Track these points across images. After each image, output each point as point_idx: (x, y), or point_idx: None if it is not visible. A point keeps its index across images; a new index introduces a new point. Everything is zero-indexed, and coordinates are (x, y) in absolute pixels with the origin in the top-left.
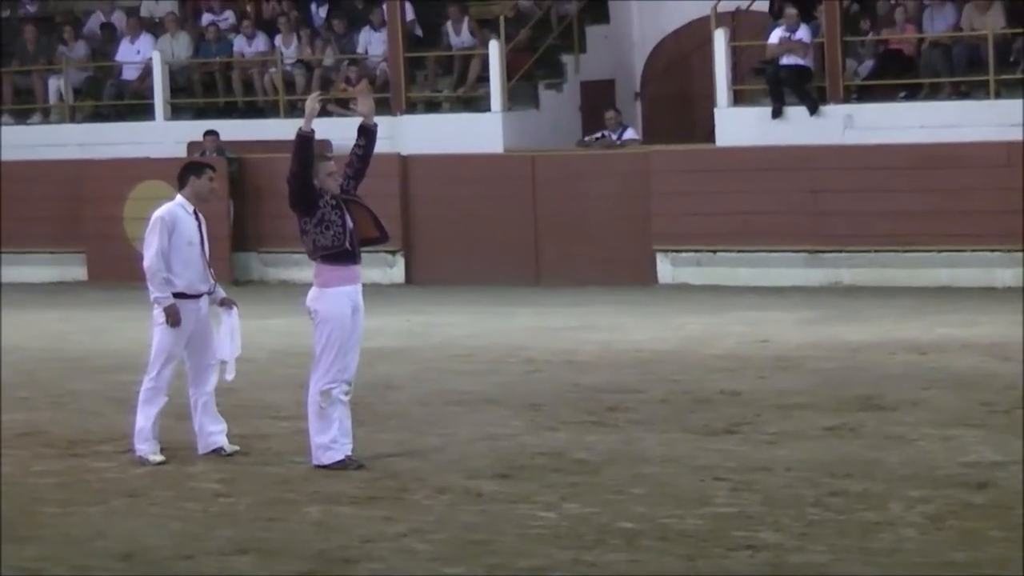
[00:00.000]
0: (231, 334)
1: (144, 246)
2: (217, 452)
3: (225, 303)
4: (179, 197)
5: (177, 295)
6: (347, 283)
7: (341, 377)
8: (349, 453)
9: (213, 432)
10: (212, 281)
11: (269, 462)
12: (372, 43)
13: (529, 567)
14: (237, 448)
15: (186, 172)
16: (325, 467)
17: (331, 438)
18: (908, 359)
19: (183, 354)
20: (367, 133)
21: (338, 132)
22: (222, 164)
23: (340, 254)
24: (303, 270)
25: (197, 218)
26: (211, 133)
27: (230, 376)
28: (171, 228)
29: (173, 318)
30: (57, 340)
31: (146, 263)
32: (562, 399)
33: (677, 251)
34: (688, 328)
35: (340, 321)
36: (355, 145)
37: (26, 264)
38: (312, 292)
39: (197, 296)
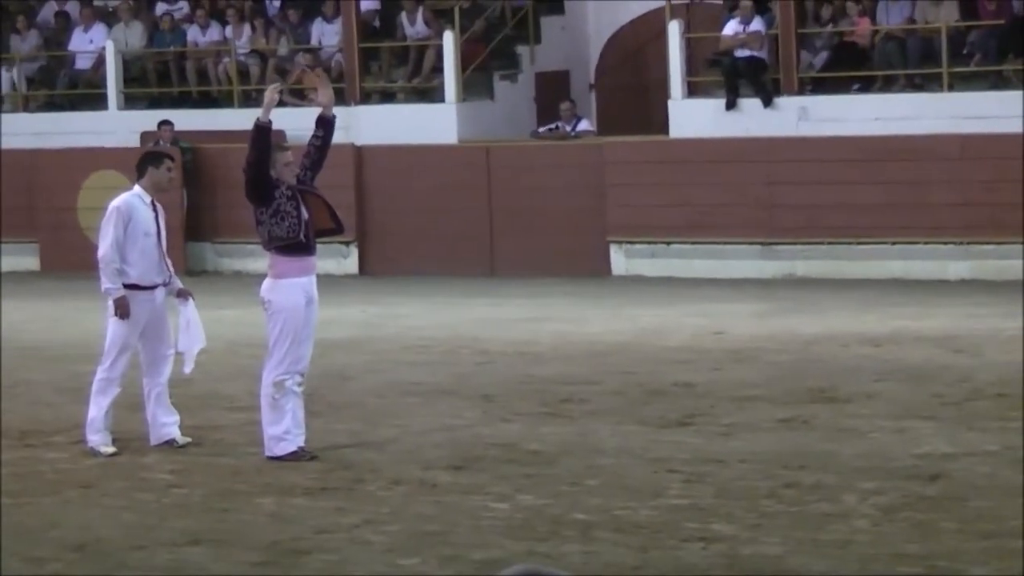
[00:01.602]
0: (188, 326)
1: (100, 236)
2: (169, 443)
3: (182, 294)
4: (137, 187)
5: (130, 286)
6: (301, 274)
7: (295, 368)
8: (302, 444)
9: (166, 423)
10: (168, 272)
11: (222, 453)
12: (326, 33)
13: (483, 559)
14: (189, 440)
15: (144, 162)
16: (278, 458)
17: (284, 429)
18: (862, 351)
19: (137, 344)
20: (325, 123)
21: (293, 122)
22: (176, 154)
23: (295, 245)
24: (257, 260)
25: (155, 209)
26: (166, 123)
27: (188, 369)
28: (127, 218)
29: (122, 311)
30: (10, 330)
31: (100, 252)
32: (516, 390)
33: (631, 243)
34: (642, 320)
35: (294, 312)
36: (313, 135)
37: None
38: (266, 283)
39: (151, 287)
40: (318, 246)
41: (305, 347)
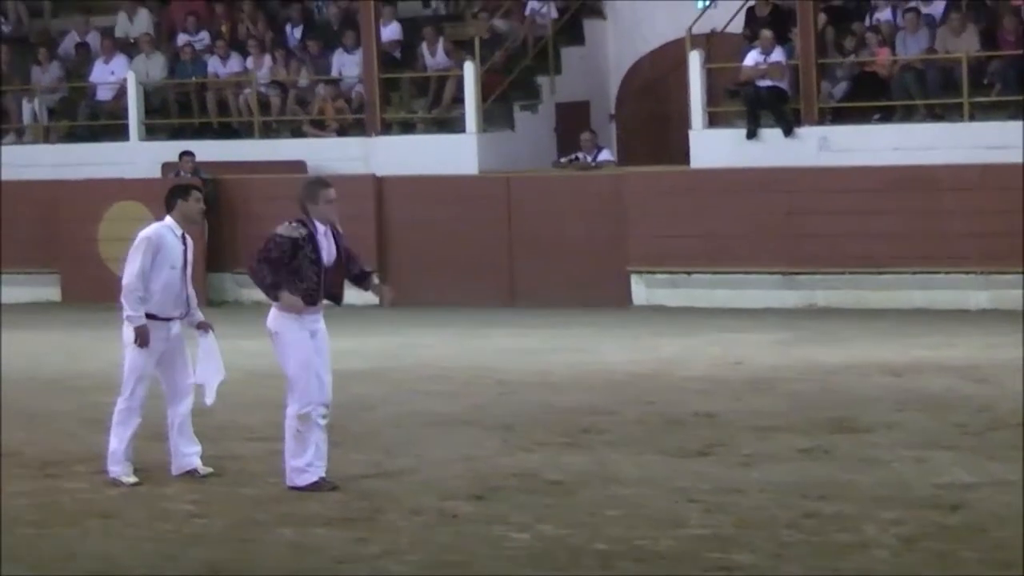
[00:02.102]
0: (207, 358)
1: (127, 262)
2: (191, 473)
3: (202, 326)
4: (168, 219)
5: (147, 315)
6: (306, 313)
7: (318, 399)
8: (323, 475)
9: (187, 453)
10: (190, 305)
11: (243, 483)
12: (346, 64)
13: None
14: (211, 470)
15: (173, 195)
16: (299, 489)
17: (307, 461)
18: (882, 381)
19: (158, 374)
20: (362, 283)
21: (314, 153)
22: (197, 185)
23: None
24: None
25: (184, 242)
26: (187, 154)
27: (209, 400)
28: (156, 249)
29: (142, 338)
30: (31, 361)
31: (125, 280)
32: (536, 420)
33: (652, 272)
34: (663, 350)
35: (301, 342)
36: (361, 270)
37: (1, 284)
38: (272, 312)
39: (167, 319)
40: None
41: (324, 377)
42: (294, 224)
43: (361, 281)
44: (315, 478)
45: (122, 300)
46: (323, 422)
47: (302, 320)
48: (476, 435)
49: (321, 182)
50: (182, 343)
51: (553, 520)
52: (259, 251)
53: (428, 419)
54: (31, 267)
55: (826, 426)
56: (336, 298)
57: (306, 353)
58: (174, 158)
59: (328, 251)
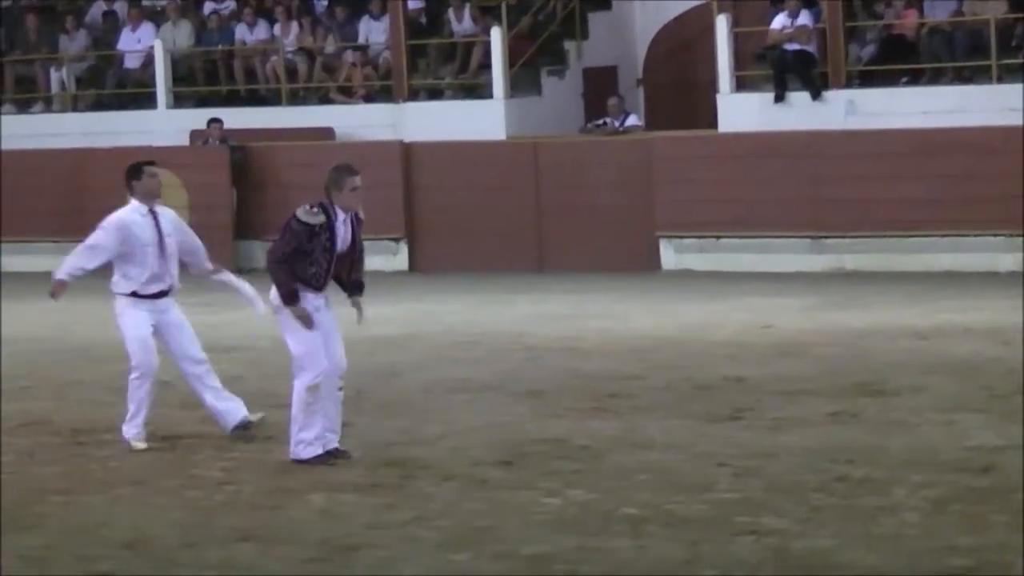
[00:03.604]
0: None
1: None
2: (246, 427)
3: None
4: (133, 202)
5: (132, 294)
6: (311, 295)
7: (328, 370)
8: (337, 446)
9: (227, 409)
10: (173, 279)
11: (272, 450)
12: (373, 31)
13: (534, 554)
14: (262, 414)
15: (128, 177)
16: (303, 462)
17: (315, 434)
18: (910, 344)
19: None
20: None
21: (341, 120)
22: (225, 152)
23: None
24: None
25: (155, 218)
26: (215, 120)
27: (261, 310)
28: (120, 236)
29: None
30: (59, 330)
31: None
32: (564, 386)
33: (680, 237)
34: (690, 315)
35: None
36: (357, 279)
37: (28, 254)
38: (274, 291)
39: (153, 297)
40: (365, 243)
41: (332, 348)
42: (315, 209)
43: (348, 288)
44: (321, 451)
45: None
46: (339, 394)
47: (307, 298)
48: (504, 401)
49: (348, 169)
50: (177, 319)
51: (582, 485)
52: (278, 243)
53: (456, 385)
54: (59, 236)
55: (854, 390)
56: (342, 284)
57: (309, 328)
58: (202, 126)
59: (344, 239)
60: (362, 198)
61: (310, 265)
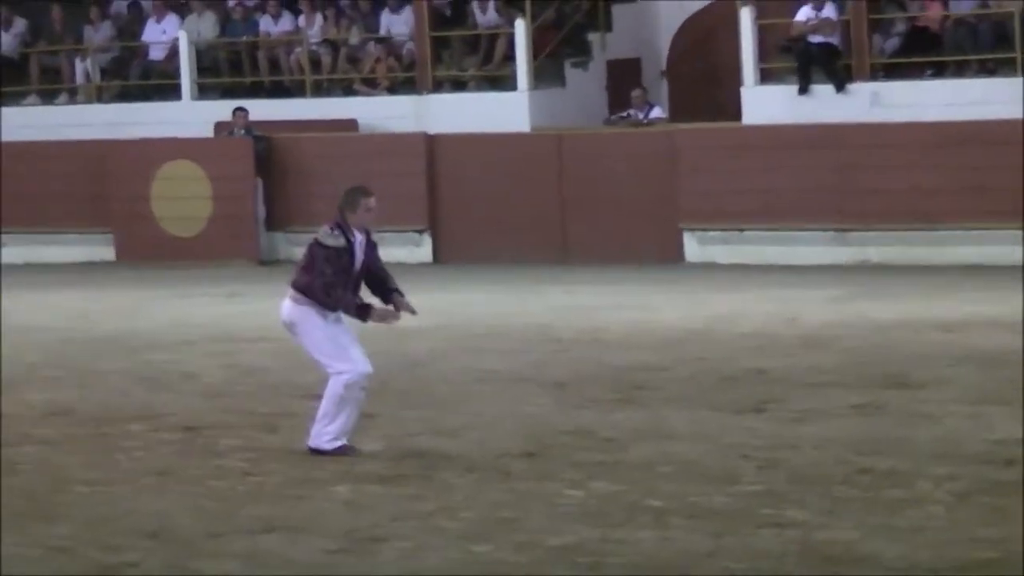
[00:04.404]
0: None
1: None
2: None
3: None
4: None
5: None
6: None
7: (357, 368)
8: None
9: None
10: None
11: (297, 441)
12: (395, 23)
13: (558, 545)
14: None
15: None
16: (323, 452)
17: (340, 428)
18: (935, 337)
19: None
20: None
21: (365, 111)
22: (249, 143)
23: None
24: None
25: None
26: (240, 110)
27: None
28: None
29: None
30: (84, 320)
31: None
32: (589, 377)
33: (704, 230)
34: (715, 306)
35: (323, 326)
36: (389, 286)
37: (54, 244)
38: (287, 304)
39: None
40: (390, 235)
41: (356, 349)
42: (335, 232)
43: (387, 296)
44: (343, 443)
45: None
46: (361, 394)
47: (324, 314)
48: (529, 392)
49: (362, 191)
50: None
51: (606, 477)
52: (313, 272)
53: (481, 376)
54: (85, 227)
55: (879, 382)
56: (382, 298)
57: (325, 333)
58: (226, 117)
59: (360, 260)
60: (374, 219)
61: (344, 287)
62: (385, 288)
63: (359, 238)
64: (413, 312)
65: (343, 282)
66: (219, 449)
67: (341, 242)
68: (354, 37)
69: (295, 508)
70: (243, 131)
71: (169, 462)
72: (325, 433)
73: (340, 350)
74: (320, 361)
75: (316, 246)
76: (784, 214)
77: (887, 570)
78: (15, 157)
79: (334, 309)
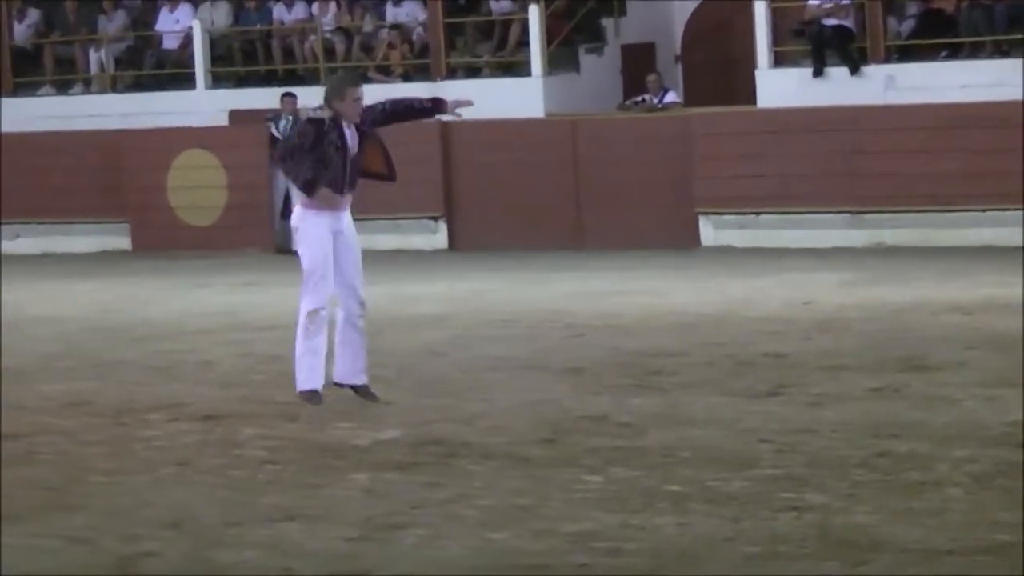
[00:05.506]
0: None
1: None
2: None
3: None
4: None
5: None
6: (328, 208)
7: (348, 311)
8: (363, 383)
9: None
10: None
11: (316, 429)
12: (410, 9)
13: (576, 531)
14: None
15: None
16: (299, 393)
17: (310, 365)
18: (951, 319)
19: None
20: (435, 108)
21: (379, 98)
22: (263, 132)
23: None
24: None
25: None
26: (289, 95)
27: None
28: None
29: None
30: (101, 310)
31: None
32: (605, 363)
33: (719, 214)
34: (731, 291)
35: (319, 241)
36: (423, 102)
37: (69, 234)
38: (297, 209)
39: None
40: (405, 221)
41: (346, 276)
42: (323, 108)
43: (437, 108)
44: (315, 386)
45: None
46: (360, 323)
47: (325, 217)
48: (545, 379)
49: (350, 79)
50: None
51: (624, 462)
52: (283, 143)
53: (497, 363)
54: (100, 216)
55: (896, 365)
56: (381, 176)
57: (323, 250)
58: (240, 106)
59: (352, 139)
60: (360, 111)
61: (325, 168)
62: (421, 103)
63: (349, 131)
64: (470, 103)
65: (323, 163)
66: (238, 438)
67: (329, 114)
68: (367, 25)
69: (314, 496)
70: (291, 117)
71: (188, 452)
72: (299, 371)
73: (321, 272)
74: (303, 279)
75: (299, 124)
76: (799, 198)
77: (907, 553)
78: (30, 148)
79: (287, 175)
